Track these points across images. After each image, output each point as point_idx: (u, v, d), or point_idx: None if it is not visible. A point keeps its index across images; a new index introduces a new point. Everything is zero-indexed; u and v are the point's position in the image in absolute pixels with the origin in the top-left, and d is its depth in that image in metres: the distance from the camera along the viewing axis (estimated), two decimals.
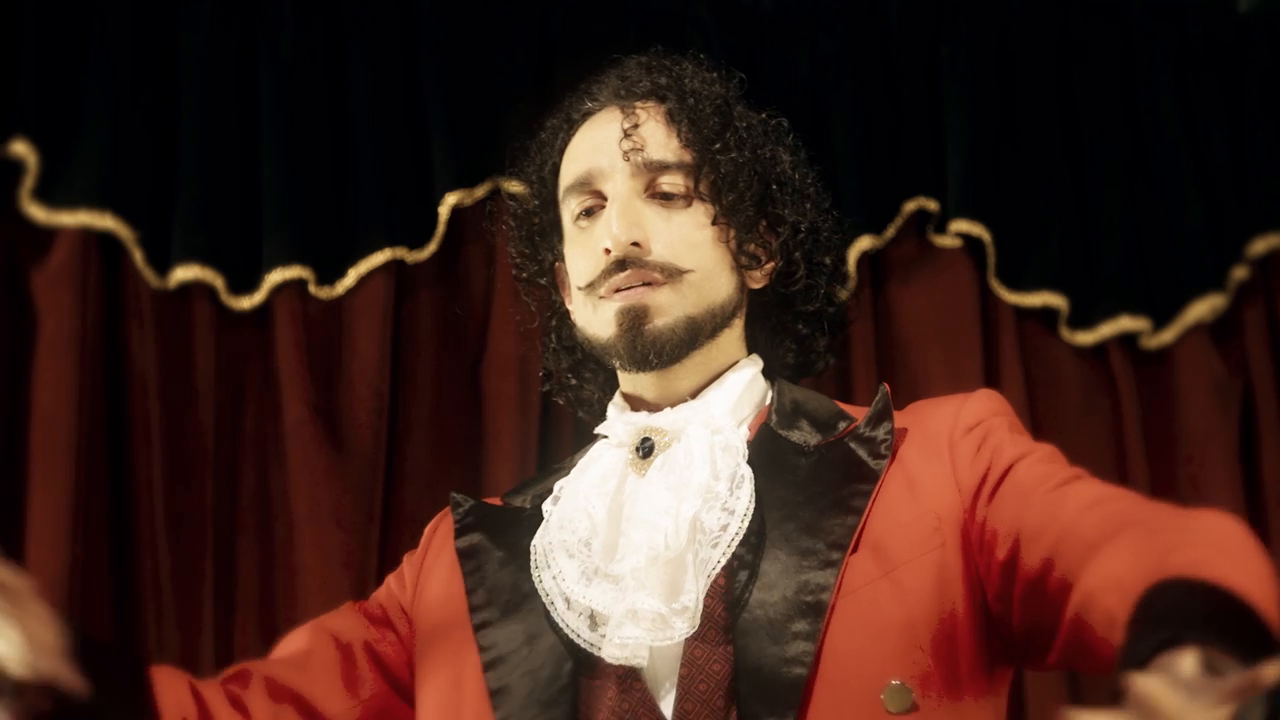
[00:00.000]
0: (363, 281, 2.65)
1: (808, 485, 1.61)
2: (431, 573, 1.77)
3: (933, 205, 2.85)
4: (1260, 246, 2.97)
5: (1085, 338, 2.90)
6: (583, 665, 1.56)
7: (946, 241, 2.86)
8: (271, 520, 2.59)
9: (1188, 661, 1.10)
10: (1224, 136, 2.99)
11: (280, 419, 2.60)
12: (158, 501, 2.51)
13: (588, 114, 1.80)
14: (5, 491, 2.45)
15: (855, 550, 1.53)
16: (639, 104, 1.74)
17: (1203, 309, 2.92)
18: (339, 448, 2.61)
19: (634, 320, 1.66)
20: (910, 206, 2.84)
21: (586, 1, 2.79)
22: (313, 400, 2.60)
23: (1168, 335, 2.92)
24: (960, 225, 2.83)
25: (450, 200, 2.65)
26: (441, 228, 2.67)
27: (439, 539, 1.80)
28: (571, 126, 1.81)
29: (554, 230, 1.83)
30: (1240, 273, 2.96)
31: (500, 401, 2.66)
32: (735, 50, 2.81)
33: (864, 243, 2.80)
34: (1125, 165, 2.95)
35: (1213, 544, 1.29)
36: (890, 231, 2.84)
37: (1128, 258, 2.92)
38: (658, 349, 1.67)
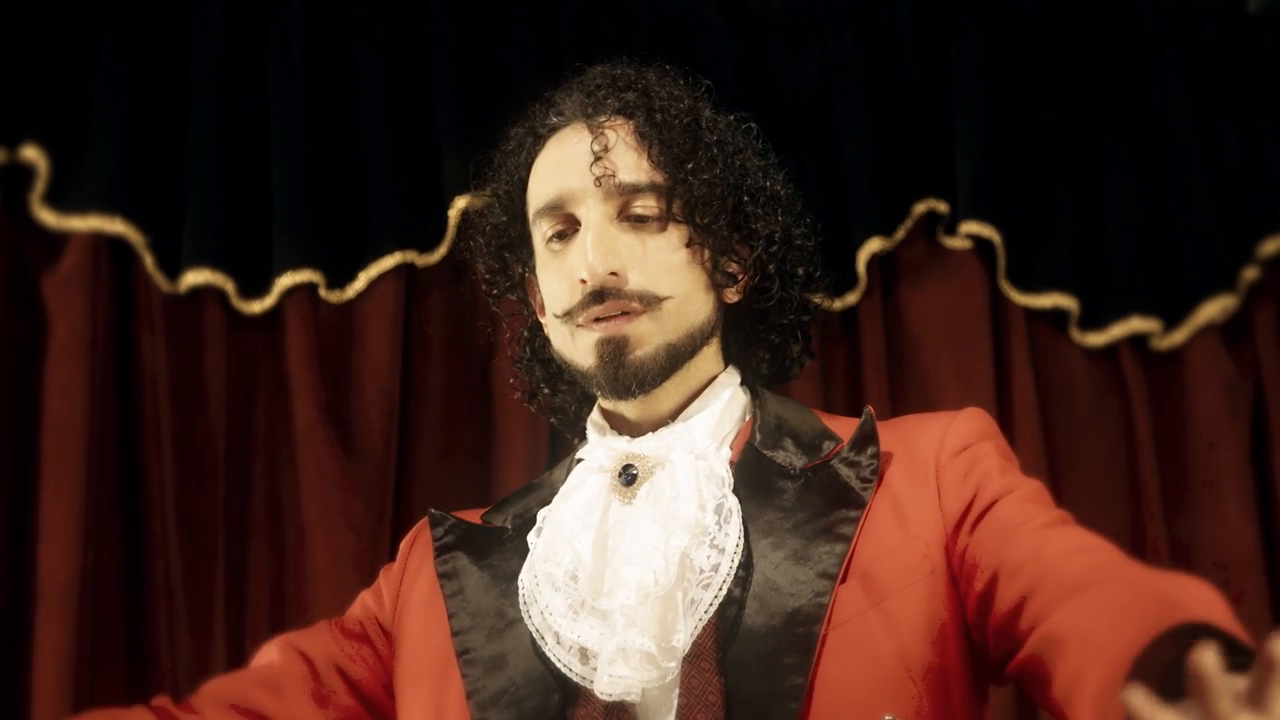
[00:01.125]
0: (373, 285, 2.65)
1: (795, 511, 1.59)
2: (412, 590, 1.74)
3: (943, 207, 2.85)
4: (1271, 247, 2.96)
5: (1096, 339, 2.90)
6: (569, 696, 1.55)
7: (956, 243, 2.85)
8: (282, 523, 2.59)
9: (1210, 657, 1.07)
10: (1234, 137, 2.99)
11: (291, 422, 2.60)
12: (169, 505, 2.51)
13: (554, 129, 1.76)
14: (17, 495, 2.45)
15: (844, 580, 1.52)
16: (606, 122, 1.71)
17: (1214, 310, 2.91)
18: (350, 451, 2.61)
19: (614, 351, 1.64)
20: (920, 208, 2.84)
21: (595, 4, 2.79)
22: (323, 404, 2.61)
23: (1178, 336, 2.92)
24: (970, 227, 2.83)
25: (460, 203, 2.65)
26: (451, 231, 2.67)
27: (416, 556, 1.78)
28: (538, 141, 1.77)
29: (524, 243, 1.81)
30: (1251, 273, 2.95)
31: (510, 405, 2.64)
32: (744, 53, 2.81)
33: (874, 245, 2.79)
34: (1136, 166, 2.94)
35: (1202, 604, 1.28)
36: (900, 233, 2.84)
37: (1138, 259, 2.91)
38: (640, 379, 1.65)
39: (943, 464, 1.60)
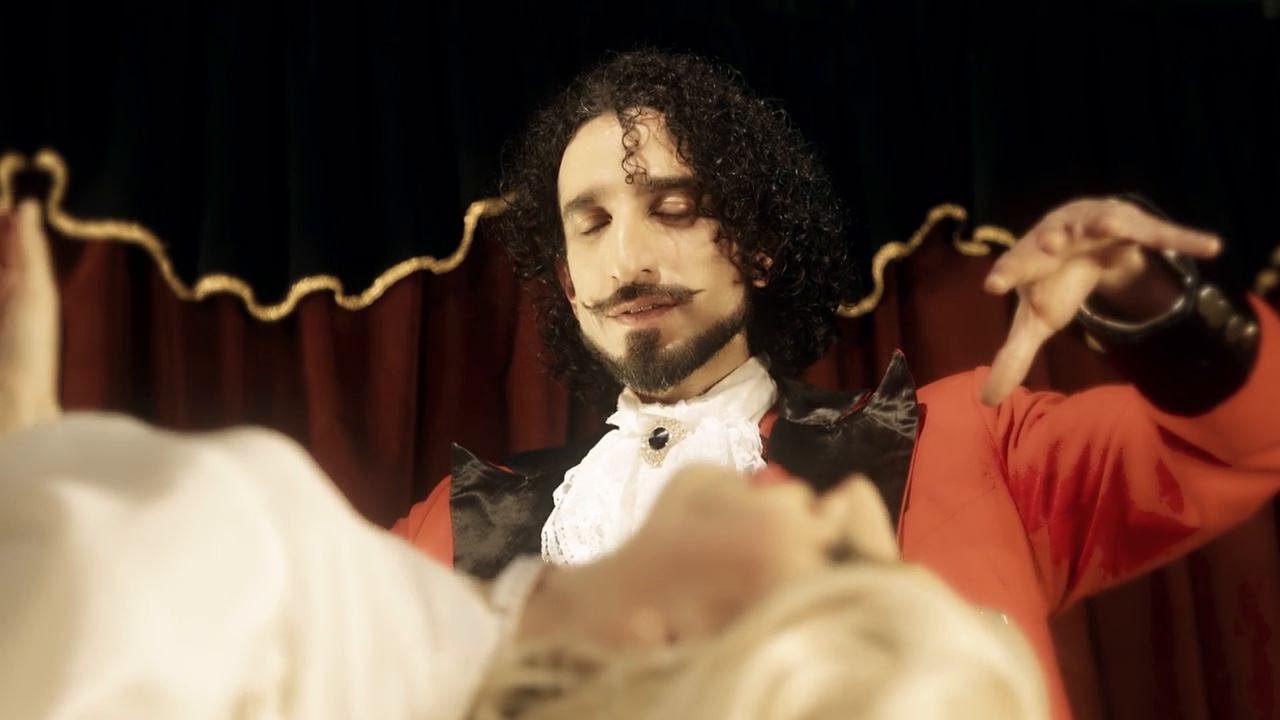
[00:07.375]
0: (389, 292, 2.65)
1: (841, 461, 1.62)
2: (432, 530, 1.78)
3: (959, 213, 2.84)
4: None
5: None
6: None
7: (973, 249, 2.84)
8: None
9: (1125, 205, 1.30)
10: (1251, 143, 2.98)
11: (308, 429, 2.60)
12: None
13: (585, 118, 1.78)
14: None
15: (908, 508, 1.55)
16: (638, 115, 1.72)
17: None
18: (366, 457, 2.61)
19: (645, 344, 1.67)
20: (937, 214, 2.83)
21: (612, 12, 2.79)
22: (340, 410, 2.61)
23: None
24: (987, 233, 2.82)
25: (477, 210, 2.64)
26: (468, 237, 2.66)
27: (444, 499, 1.84)
28: (569, 129, 1.79)
29: (554, 227, 1.83)
30: (1268, 279, 2.95)
31: (527, 411, 2.65)
32: (761, 59, 2.81)
33: (890, 250, 2.79)
34: (1152, 171, 2.93)
35: None
36: (917, 239, 2.83)
37: None
38: (669, 371, 1.68)
39: (978, 398, 1.65)
